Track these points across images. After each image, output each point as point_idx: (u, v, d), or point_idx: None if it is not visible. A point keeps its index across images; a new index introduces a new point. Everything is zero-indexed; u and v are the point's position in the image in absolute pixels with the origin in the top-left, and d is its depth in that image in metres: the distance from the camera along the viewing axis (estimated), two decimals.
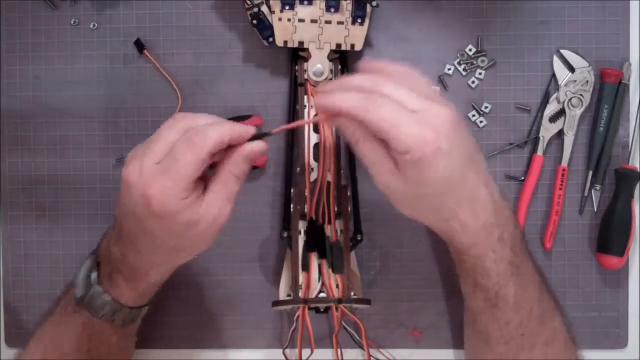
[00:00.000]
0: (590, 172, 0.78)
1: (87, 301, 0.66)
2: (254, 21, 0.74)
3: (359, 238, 0.75)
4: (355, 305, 0.72)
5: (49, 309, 0.70)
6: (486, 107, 0.78)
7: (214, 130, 0.57)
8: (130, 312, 0.67)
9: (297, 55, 0.75)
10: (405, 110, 0.57)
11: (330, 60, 0.74)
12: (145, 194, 0.57)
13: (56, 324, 0.69)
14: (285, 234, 0.75)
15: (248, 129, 0.60)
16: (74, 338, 0.67)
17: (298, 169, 0.75)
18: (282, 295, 0.74)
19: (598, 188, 0.78)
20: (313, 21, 0.73)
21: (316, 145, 0.74)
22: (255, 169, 0.77)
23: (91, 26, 0.79)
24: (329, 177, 0.73)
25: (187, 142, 0.57)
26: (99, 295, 0.66)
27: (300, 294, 0.71)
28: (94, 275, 0.66)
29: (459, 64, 0.78)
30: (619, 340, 0.78)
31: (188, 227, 0.59)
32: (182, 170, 0.57)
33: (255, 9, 0.73)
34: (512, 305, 0.65)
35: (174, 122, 0.60)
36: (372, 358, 0.74)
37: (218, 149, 0.58)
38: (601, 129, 0.77)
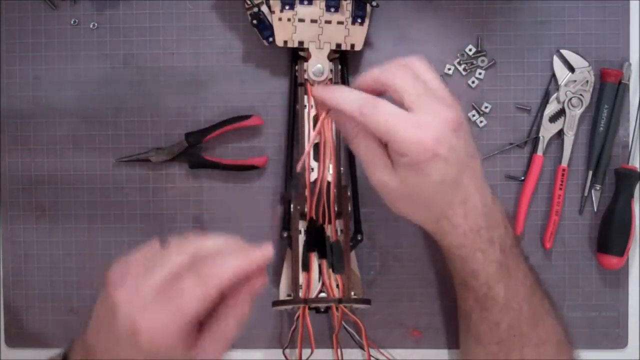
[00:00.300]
0: (590, 172, 0.78)
1: None
2: (254, 21, 0.74)
3: (359, 238, 0.75)
4: (355, 305, 0.72)
5: None
6: (486, 107, 0.78)
7: (229, 263, 0.51)
8: None
9: (297, 55, 0.75)
10: (404, 114, 0.57)
11: (330, 60, 0.74)
12: (135, 325, 0.49)
13: None
14: (285, 234, 0.75)
15: (266, 257, 0.53)
16: None
17: (298, 169, 0.75)
18: (282, 295, 0.74)
19: (598, 188, 0.78)
20: (313, 21, 0.73)
21: (316, 146, 0.74)
22: (255, 169, 0.77)
23: (91, 26, 0.79)
24: (329, 177, 0.73)
25: (197, 276, 0.50)
26: None
27: (301, 294, 0.71)
28: None
29: (459, 64, 0.78)
30: (619, 340, 0.78)
31: None
32: (186, 307, 0.50)
33: (255, 9, 0.73)
34: (502, 307, 0.65)
35: (184, 246, 0.53)
36: (372, 358, 0.74)
37: (230, 284, 0.51)
38: (601, 129, 0.77)
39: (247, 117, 0.77)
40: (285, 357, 0.75)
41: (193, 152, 0.78)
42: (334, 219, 0.73)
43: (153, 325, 0.49)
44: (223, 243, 0.54)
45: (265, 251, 0.53)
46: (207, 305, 0.50)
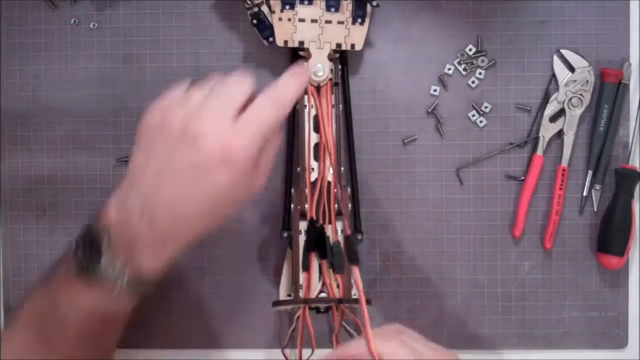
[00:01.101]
0: (590, 172, 0.78)
1: (101, 276, 0.59)
2: (254, 21, 0.74)
3: (359, 238, 0.75)
4: (355, 305, 0.72)
5: (39, 284, 0.64)
6: (486, 107, 0.78)
7: (292, 85, 0.59)
8: (148, 285, 0.61)
9: (297, 55, 0.75)
10: None
11: (331, 60, 0.74)
12: (229, 145, 0.55)
13: (56, 300, 0.62)
14: (285, 234, 0.75)
15: (307, 74, 0.63)
16: (83, 310, 0.61)
17: (298, 169, 0.75)
18: (283, 295, 0.74)
19: (598, 188, 0.78)
20: (313, 21, 0.73)
21: (316, 145, 0.74)
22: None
23: (91, 26, 0.79)
24: (329, 177, 0.73)
25: (271, 100, 0.58)
26: (114, 268, 0.59)
27: (301, 294, 0.71)
28: (105, 248, 0.59)
29: (459, 64, 0.78)
30: (619, 340, 0.78)
31: (245, 188, 0.58)
32: (266, 128, 0.57)
33: (256, 9, 0.73)
34: None
35: (241, 74, 0.59)
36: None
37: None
38: (601, 129, 0.77)
39: None
40: (285, 356, 0.75)
41: None
42: (334, 219, 0.73)
43: (243, 144, 0.55)
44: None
45: (305, 68, 0.65)
46: (277, 125, 0.58)
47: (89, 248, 0.60)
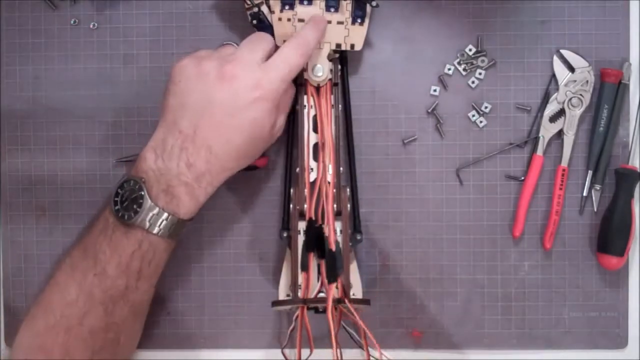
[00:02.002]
0: (590, 172, 0.77)
1: (141, 220, 0.65)
2: (254, 21, 0.74)
3: (358, 238, 0.75)
4: (355, 305, 0.72)
5: (82, 233, 0.70)
6: (486, 107, 0.78)
7: (312, 32, 0.69)
8: (184, 225, 0.68)
9: None
10: None
11: (330, 60, 0.74)
12: (261, 84, 0.64)
13: (100, 242, 0.67)
14: (284, 234, 0.75)
15: (325, 21, 0.72)
16: (125, 256, 0.66)
17: (297, 169, 0.75)
18: (282, 295, 0.74)
19: (598, 188, 0.78)
20: None
21: (315, 145, 0.74)
22: (255, 169, 0.77)
23: (91, 26, 0.79)
24: (329, 177, 0.73)
25: (296, 47, 0.67)
26: (154, 212, 0.65)
27: (300, 294, 0.71)
28: (144, 193, 0.65)
29: (459, 64, 0.78)
30: (619, 340, 0.78)
31: (273, 127, 0.68)
32: (293, 71, 0.66)
33: (255, 9, 0.73)
34: None
35: (262, 33, 0.70)
36: (371, 358, 0.74)
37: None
38: (601, 129, 0.77)
39: None
40: (284, 356, 0.75)
41: None
42: (333, 219, 0.73)
43: (274, 84, 0.66)
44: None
45: (322, 17, 0.72)
46: (300, 68, 0.68)
47: (129, 199, 0.66)
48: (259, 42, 0.68)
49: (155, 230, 0.66)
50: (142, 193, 0.65)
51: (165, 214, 0.65)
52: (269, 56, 0.67)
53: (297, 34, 0.69)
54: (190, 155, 0.65)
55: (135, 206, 0.65)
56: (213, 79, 0.64)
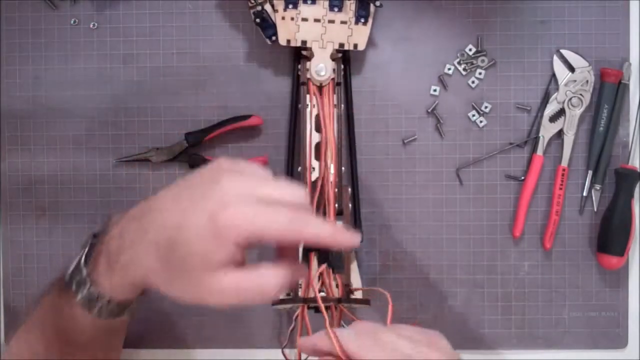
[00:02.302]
0: (590, 172, 0.78)
1: (69, 280, 0.59)
2: (257, 20, 0.73)
3: None
4: (354, 305, 0.72)
5: (47, 292, 0.64)
6: (486, 107, 0.78)
7: (318, 228, 0.53)
8: (107, 304, 0.59)
9: (300, 54, 0.75)
10: None
11: (333, 59, 0.74)
12: (225, 212, 0.51)
13: (45, 307, 0.63)
14: None
15: (354, 243, 0.55)
16: (55, 323, 0.62)
17: (299, 168, 0.75)
18: (282, 294, 0.74)
19: (598, 188, 0.78)
20: (316, 20, 0.73)
21: (317, 145, 0.74)
22: None
23: (91, 26, 0.79)
24: (331, 177, 0.73)
25: (292, 213, 0.52)
26: (80, 276, 0.59)
27: (300, 293, 0.71)
28: (82, 255, 0.60)
29: (459, 64, 0.78)
30: (619, 340, 0.78)
31: (209, 265, 0.52)
32: (272, 225, 0.51)
33: (259, 8, 0.73)
34: None
35: (297, 188, 0.54)
36: None
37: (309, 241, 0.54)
38: (601, 129, 0.77)
39: (247, 117, 0.77)
40: (285, 356, 0.75)
41: (193, 152, 0.78)
42: (334, 219, 0.73)
43: (238, 217, 0.51)
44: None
45: (356, 239, 0.54)
46: (277, 237, 0.52)
47: (77, 261, 0.60)
48: (287, 187, 0.54)
49: (77, 296, 0.58)
50: (81, 253, 0.60)
51: (88, 281, 0.58)
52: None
53: (307, 213, 0.54)
54: (129, 227, 0.56)
55: (74, 265, 0.60)
56: (208, 175, 0.54)
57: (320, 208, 0.73)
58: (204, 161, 0.77)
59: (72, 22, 0.79)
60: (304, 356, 0.73)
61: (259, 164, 0.56)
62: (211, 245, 0.51)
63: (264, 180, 0.54)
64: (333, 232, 0.53)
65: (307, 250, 0.72)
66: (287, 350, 0.75)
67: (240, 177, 0.53)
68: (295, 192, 0.54)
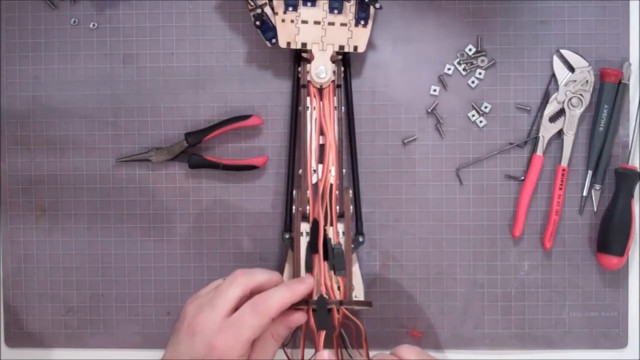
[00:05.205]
0: (590, 172, 0.78)
1: None
2: (257, 22, 0.73)
3: (360, 240, 0.75)
4: (356, 307, 0.72)
5: None
6: (486, 107, 0.78)
7: (278, 298, 0.65)
8: None
9: (300, 56, 0.75)
10: None
11: (333, 61, 0.74)
12: (211, 343, 0.63)
13: None
14: (287, 236, 0.75)
15: (308, 289, 0.68)
16: None
17: (300, 170, 0.75)
18: None
19: (598, 188, 0.78)
20: (316, 23, 0.73)
21: (319, 147, 0.74)
22: (255, 169, 0.77)
23: (91, 26, 0.79)
24: (332, 179, 0.73)
25: (252, 308, 0.64)
26: None
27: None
28: None
29: (459, 64, 0.78)
30: (619, 340, 0.78)
31: None
32: (246, 332, 0.63)
33: (259, 10, 0.73)
34: None
35: (234, 278, 0.66)
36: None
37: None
38: (601, 129, 0.77)
39: (247, 117, 0.77)
40: (287, 356, 0.75)
41: (193, 152, 0.78)
42: (335, 221, 0.73)
43: (224, 345, 0.63)
44: (267, 274, 0.67)
45: (308, 284, 0.68)
46: (262, 329, 0.64)
47: None
48: (228, 289, 0.65)
49: None
50: None
51: None
52: (255, 292, 0.66)
53: (264, 294, 0.66)
54: None
55: None
56: (185, 327, 0.65)
57: (322, 211, 0.73)
58: (204, 161, 0.77)
59: (72, 22, 0.79)
60: (306, 357, 0.73)
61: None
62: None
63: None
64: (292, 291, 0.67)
65: (312, 252, 0.72)
66: (290, 351, 0.75)
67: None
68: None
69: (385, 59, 0.78)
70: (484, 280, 0.79)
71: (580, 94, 0.77)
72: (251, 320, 0.64)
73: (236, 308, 0.65)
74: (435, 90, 0.78)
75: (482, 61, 0.78)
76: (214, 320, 0.64)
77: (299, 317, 0.68)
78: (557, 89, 0.77)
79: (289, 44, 0.73)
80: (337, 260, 0.71)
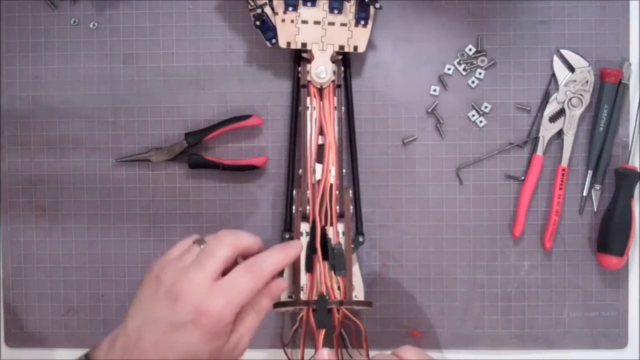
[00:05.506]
0: (590, 172, 0.78)
1: None
2: (257, 22, 0.73)
3: (360, 240, 0.75)
4: (356, 307, 0.72)
5: None
6: (486, 107, 0.78)
7: (272, 259, 0.62)
8: None
9: (300, 56, 0.75)
10: None
11: (333, 61, 0.74)
12: (201, 308, 0.58)
13: None
14: (287, 236, 0.75)
15: (298, 252, 0.65)
16: None
17: (300, 170, 0.75)
18: (284, 296, 0.74)
19: (598, 188, 0.78)
20: (316, 23, 0.73)
21: (319, 147, 0.74)
22: (255, 169, 0.77)
23: (91, 26, 0.79)
24: (332, 179, 0.73)
25: (247, 269, 0.60)
26: None
27: (303, 296, 0.71)
28: None
29: (459, 64, 0.78)
30: (619, 340, 0.78)
31: (216, 352, 0.60)
32: (240, 295, 0.59)
33: (259, 10, 0.73)
34: None
35: (220, 239, 0.61)
36: None
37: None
38: (601, 129, 0.77)
39: (247, 117, 0.77)
40: (287, 355, 0.75)
41: (193, 152, 0.78)
42: (335, 221, 0.73)
43: (215, 309, 0.58)
44: (256, 239, 0.63)
45: (298, 247, 0.64)
46: (255, 293, 0.60)
47: None
48: (216, 252, 0.61)
49: None
50: None
51: None
52: (241, 255, 0.63)
53: (258, 256, 0.62)
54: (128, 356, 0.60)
55: None
56: (163, 292, 0.59)
57: (322, 211, 0.73)
58: (204, 161, 0.77)
59: (72, 22, 0.79)
60: (306, 357, 0.73)
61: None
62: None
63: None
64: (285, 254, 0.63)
65: (312, 252, 0.72)
66: (290, 351, 0.75)
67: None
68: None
69: (385, 59, 0.78)
70: (484, 280, 0.79)
71: (580, 94, 0.77)
72: (246, 282, 0.59)
73: (224, 271, 0.61)
74: (435, 90, 0.78)
75: (482, 61, 0.78)
76: (202, 283, 0.59)
77: (280, 284, 0.64)
78: (557, 89, 0.77)
79: (289, 44, 0.74)
80: (337, 260, 0.71)
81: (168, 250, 0.64)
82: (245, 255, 0.63)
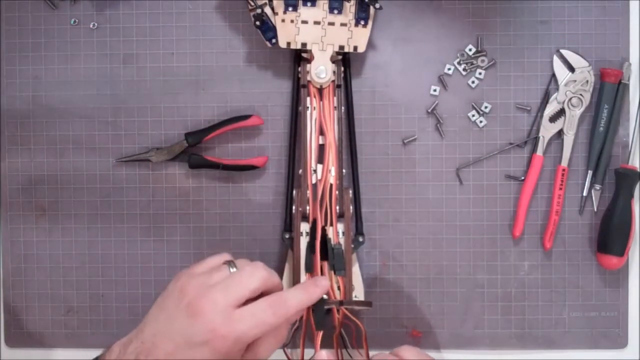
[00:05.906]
0: (590, 172, 0.78)
1: None
2: (257, 22, 0.73)
3: (360, 240, 0.75)
4: (356, 307, 0.72)
5: None
6: (486, 107, 0.78)
7: (296, 301, 0.62)
8: None
9: (300, 56, 0.75)
10: None
11: (333, 62, 0.74)
12: (217, 331, 0.58)
13: None
14: (287, 236, 0.75)
15: (324, 291, 0.65)
16: None
17: (300, 170, 0.75)
18: None
19: (598, 188, 0.78)
20: (316, 23, 0.73)
21: (319, 147, 0.74)
22: (255, 169, 0.77)
23: (91, 26, 0.79)
24: (332, 179, 0.73)
25: (271, 306, 0.61)
26: None
27: None
28: None
29: (459, 64, 0.78)
30: (619, 340, 0.78)
31: None
32: (258, 329, 0.60)
33: (259, 10, 0.73)
34: None
35: (256, 269, 0.62)
36: None
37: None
38: (601, 129, 0.77)
39: (247, 117, 0.77)
40: (287, 355, 0.75)
41: (193, 152, 0.78)
42: (335, 221, 0.73)
43: (230, 336, 0.59)
44: (280, 281, 0.65)
45: (323, 287, 0.65)
46: (270, 330, 0.61)
47: None
48: (245, 280, 0.62)
49: None
50: None
51: None
52: (265, 291, 0.63)
53: (282, 293, 0.63)
54: None
55: None
56: (184, 305, 0.60)
57: (322, 211, 0.73)
58: (204, 161, 0.77)
59: (72, 22, 0.79)
60: (306, 357, 0.73)
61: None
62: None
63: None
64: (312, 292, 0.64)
65: (312, 252, 0.72)
66: (289, 351, 0.75)
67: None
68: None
69: (385, 59, 0.78)
70: (484, 280, 0.79)
71: (580, 94, 0.77)
72: (266, 317, 0.60)
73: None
74: (435, 90, 0.78)
75: (482, 61, 0.78)
76: (224, 307, 0.59)
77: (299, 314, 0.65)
78: (557, 89, 0.77)
79: (289, 44, 0.74)
80: (337, 260, 0.72)
81: (197, 263, 0.64)
82: (269, 291, 0.63)
